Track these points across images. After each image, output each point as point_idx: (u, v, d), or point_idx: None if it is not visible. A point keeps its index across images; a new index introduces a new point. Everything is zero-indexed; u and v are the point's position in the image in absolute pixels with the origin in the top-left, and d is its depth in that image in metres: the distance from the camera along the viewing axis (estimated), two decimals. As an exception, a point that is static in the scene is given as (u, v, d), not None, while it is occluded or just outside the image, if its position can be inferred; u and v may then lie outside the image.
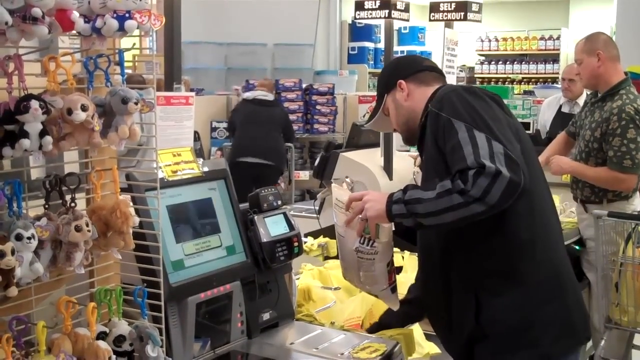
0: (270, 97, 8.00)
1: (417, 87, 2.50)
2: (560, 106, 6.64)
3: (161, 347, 2.08)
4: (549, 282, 2.37)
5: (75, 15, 1.84)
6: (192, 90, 7.79)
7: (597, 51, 4.33)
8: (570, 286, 2.46)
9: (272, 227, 2.67)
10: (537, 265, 2.34)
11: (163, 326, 2.15)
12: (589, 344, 4.67)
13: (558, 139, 4.97)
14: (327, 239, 3.70)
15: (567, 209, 4.93)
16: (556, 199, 4.59)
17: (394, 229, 2.42)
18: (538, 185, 2.37)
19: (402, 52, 11.58)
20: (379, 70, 3.82)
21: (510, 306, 2.31)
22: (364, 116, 8.57)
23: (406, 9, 5.38)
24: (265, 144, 7.47)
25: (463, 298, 2.35)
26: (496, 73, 14.58)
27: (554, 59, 14.13)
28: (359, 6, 5.36)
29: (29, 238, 1.79)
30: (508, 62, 14.58)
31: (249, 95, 8.00)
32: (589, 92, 4.73)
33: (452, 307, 2.38)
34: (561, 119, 6.33)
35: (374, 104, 2.71)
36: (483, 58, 14.90)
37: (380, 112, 2.59)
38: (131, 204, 2.15)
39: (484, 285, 2.33)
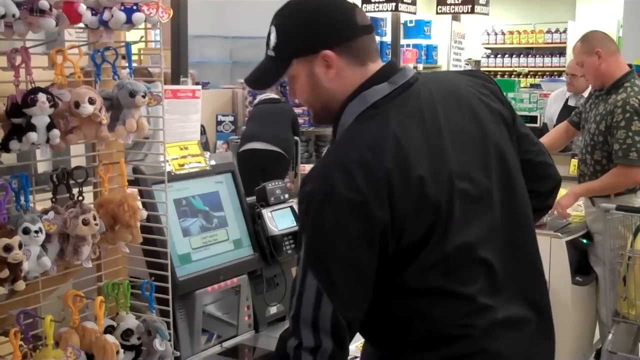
0: (277, 97, 8.07)
1: (348, 65, 1.75)
2: (567, 99, 6.61)
3: (169, 340, 2.07)
4: None
5: (83, 7, 1.84)
6: (197, 83, 7.80)
7: (595, 50, 4.32)
8: None
9: (279, 220, 2.67)
10: None
11: (171, 320, 2.15)
12: (596, 337, 4.67)
13: (558, 129, 4.95)
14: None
15: (574, 203, 4.91)
16: (564, 192, 4.58)
17: None
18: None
19: (408, 45, 11.53)
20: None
21: None
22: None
23: (413, 2, 5.37)
24: (273, 132, 7.48)
25: None
26: (502, 66, 14.52)
27: (561, 52, 14.07)
28: (366, -1, 5.34)
29: (36, 232, 1.78)
30: (514, 56, 14.51)
31: (257, 99, 8.07)
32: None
33: None
34: (568, 112, 6.29)
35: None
36: (489, 51, 14.84)
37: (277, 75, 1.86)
38: (139, 197, 2.15)
39: None
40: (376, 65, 1.79)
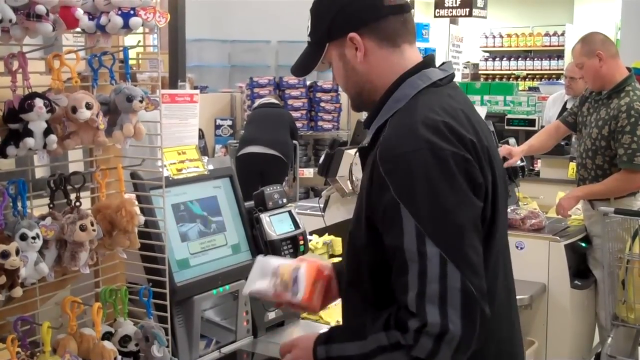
0: (277, 102, 8.07)
1: (379, 46, 1.76)
2: (565, 102, 6.62)
3: (167, 347, 2.06)
4: None
5: (80, 12, 1.83)
6: (195, 87, 7.80)
7: (597, 52, 4.31)
8: None
9: (277, 225, 2.66)
10: None
11: (169, 326, 2.14)
12: (595, 341, 4.67)
13: (548, 129, 4.94)
14: (332, 236, 3.69)
15: (576, 205, 4.91)
16: (562, 195, 4.58)
17: None
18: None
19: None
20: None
21: None
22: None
23: (411, 5, 5.37)
24: (271, 136, 7.48)
25: None
26: (500, 69, 14.53)
27: (559, 55, 14.09)
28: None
29: (33, 238, 1.77)
30: (512, 59, 14.53)
31: (256, 103, 8.07)
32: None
33: None
34: (567, 116, 6.32)
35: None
36: (487, 54, 14.86)
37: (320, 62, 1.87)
38: (136, 202, 2.14)
39: None
40: (413, 47, 1.80)
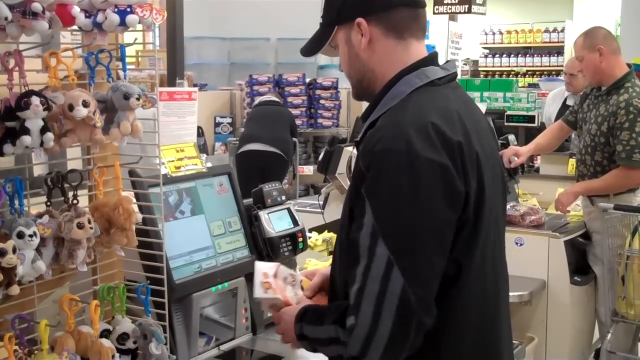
0: (277, 99, 8.07)
1: (385, 36, 1.75)
2: (565, 99, 6.61)
3: (165, 344, 2.06)
4: None
5: (76, 10, 1.82)
6: (195, 85, 7.79)
7: (598, 46, 4.30)
8: None
9: (276, 222, 2.66)
10: None
11: (167, 323, 2.14)
12: (595, 337, 4.67)
13: (552, 128, 4.95)
14: (331, 234, 3.69)
15: (574, 201, 4.91)
16: (561, 191, 4.58)
17: None
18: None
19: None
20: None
21: None
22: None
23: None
24: (272, 134, 7.47)
25: None
26: (500, 66, 14.52)
27: (558, 51, 14.07)
28: None
29: (30, 236, 1.77)
30: (512, 55, 14.51)
31: (256, 101, 8.06)
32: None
33: None
34: (566, 112, 6.31)
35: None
36: (487, 51, 14.83)
37: (327, 45, 1.86)
38: (134, 200, 2.13)
39: None
40: (420, 43, 1.80)
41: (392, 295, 1.54)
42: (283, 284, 1.92)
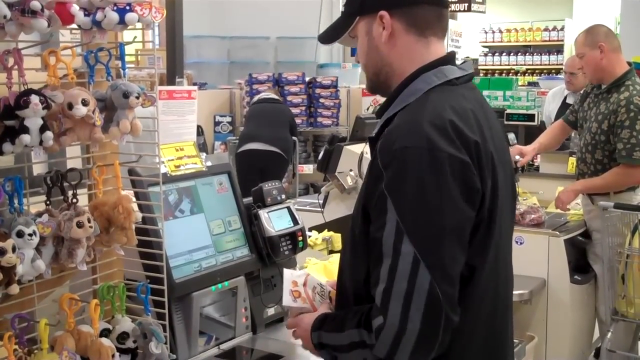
0: (276, 97, 8.05)
1: (406, 31, 1.74)
2: (565, 97, 6.61)
3: (165, 343, 2.06)
4: None
5: (75, 8, 1.82)
6: (195, 84, 7.78)
7: (599, 44, 4.30)
8: None
9: (276, 221, 2.65)
10: None
11: (167, 322, 2.14)
12: (595, 336, 4.67)
13: (554, 127, 4.95)
14: (331, 232, 3.68)
15: (574, 199, 4.91)
16: (562, 189, 4.58)
17: None
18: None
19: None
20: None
21: None
22: (367, 109, 8.54)
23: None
24: (271, 133, 7.46)
25: None
26: (500, 64, 14.51)
27: (558, 49, 14.06)
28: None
29: (30, 235, 1.77)
30: (512, 54, 14.51)
31: (255, 98, 8.05)
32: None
33: None
34: (566, 111, 6.31)
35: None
36: (487, 49, 14.83)
37: (347, 35, 1.86)
38: (134, 199, 2.13)
39: None
40: (440, 42, 1.80)
41: (421, 293, 1.53)
42: (312, 293, 1.91)
